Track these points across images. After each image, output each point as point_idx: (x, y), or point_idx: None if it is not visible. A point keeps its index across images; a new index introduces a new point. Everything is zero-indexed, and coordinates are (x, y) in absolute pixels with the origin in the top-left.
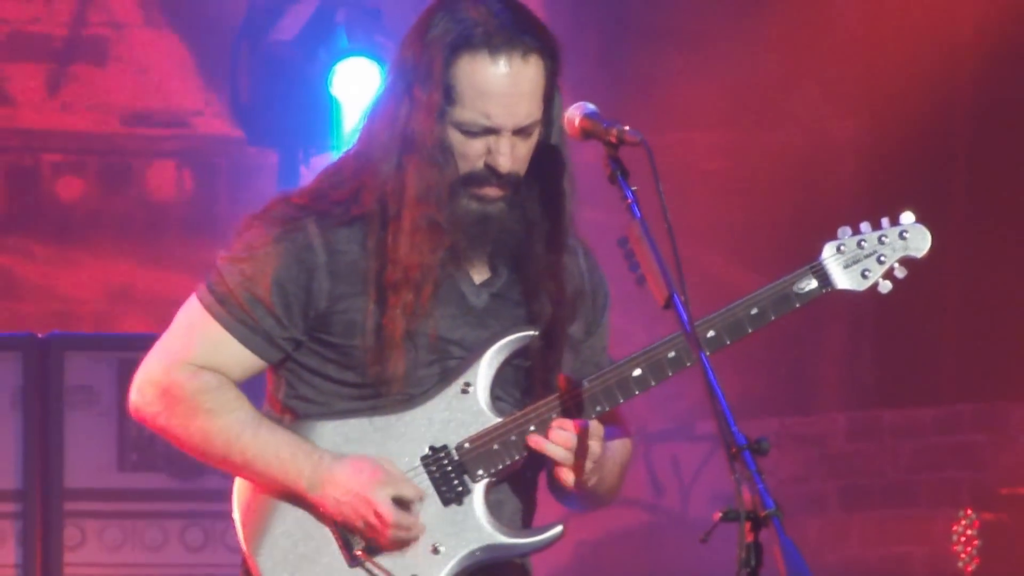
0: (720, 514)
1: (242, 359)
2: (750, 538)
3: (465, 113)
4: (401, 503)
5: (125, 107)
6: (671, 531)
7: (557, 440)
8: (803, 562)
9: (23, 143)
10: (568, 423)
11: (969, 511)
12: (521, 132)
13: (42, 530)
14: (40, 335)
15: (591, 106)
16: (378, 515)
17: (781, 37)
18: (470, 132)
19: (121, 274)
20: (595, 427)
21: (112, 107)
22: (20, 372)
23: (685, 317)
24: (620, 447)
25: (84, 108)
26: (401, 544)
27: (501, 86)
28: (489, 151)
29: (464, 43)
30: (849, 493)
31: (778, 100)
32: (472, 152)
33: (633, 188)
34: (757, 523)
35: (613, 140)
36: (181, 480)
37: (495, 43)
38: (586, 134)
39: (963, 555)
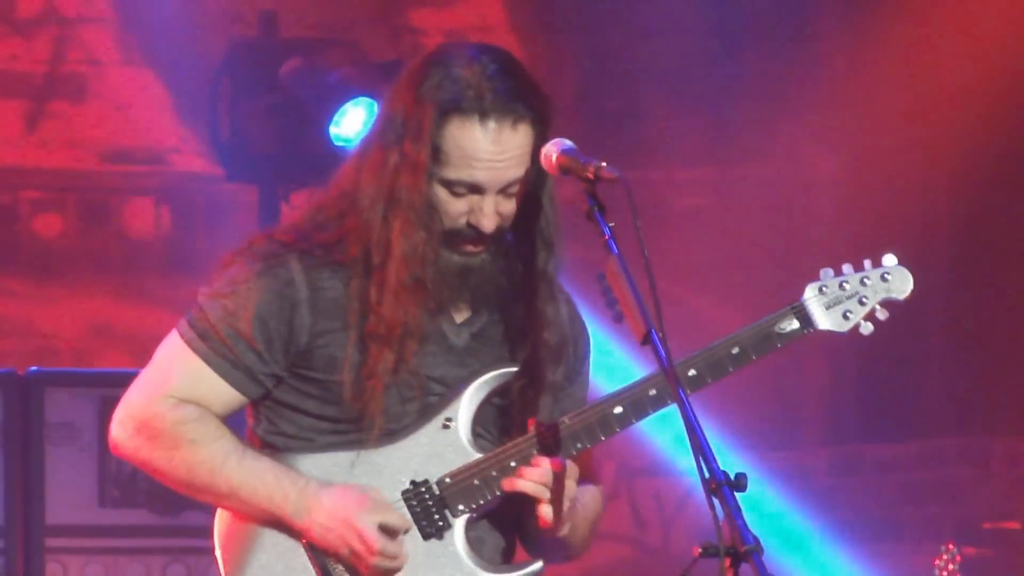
0: (700, 549)
1: (223, 394)
2: (730, 574)
3: (451, 172)
4: (387, 531)
5: (103, 144)
6: (653, 566)
7: (531, 476)
8: None
9: (1, 180)
10: (544, 461)
11: (952, 546)
12: (505, 191)
13: (24, 566)
14: (20, 372)
15: (568, 142)
16: (364, 541)
17: (762, 73)
18: (454, 191)
19: (100, 310)
20: (571, 467)
21: (90, 144)
22: (0, 409)
23: (663, 353)
24: (591, 500)
25: (62, 145)
26: (389, 566)
27: (489, 152)
28: (472, 210)
29: (455, 107)
30: (832, 529)
31: (759, 136)
32: (455, 210)
33: (611, 224)
34: (737, 558)
35: (591, 176)
36: (163, 516)
37: (486, 108)
38: (563, 170)
39: None
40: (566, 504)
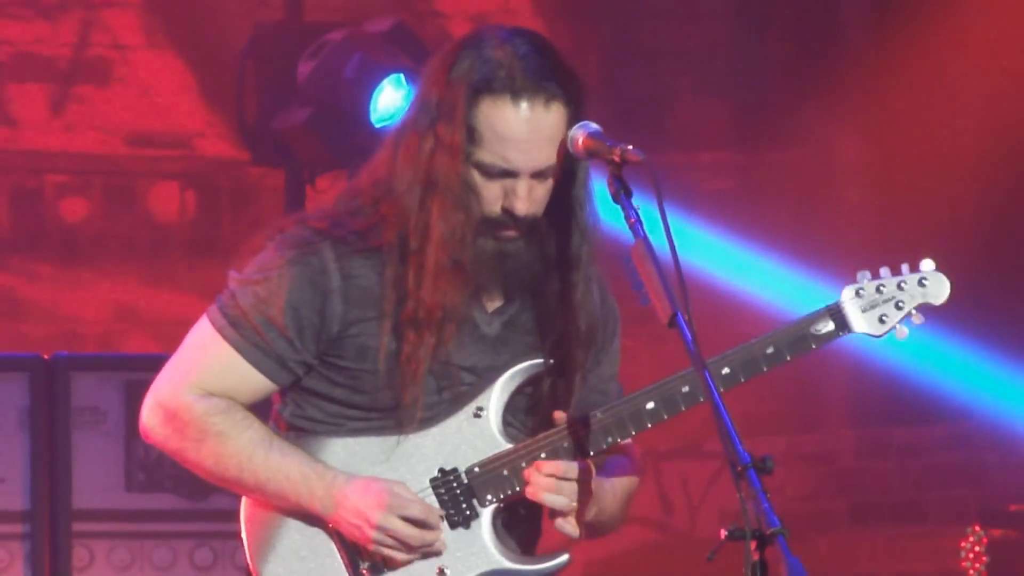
0: (726, 532)
1: (253, 382)
2: (756, 556)
3: (484, 155)
4: (413, 522)
5: (128, 128)
6: (680, 549)
7: (546, 486)
8: None
9: (27, 164)
10: (556, 465)
11: (977, 528)
12: (539, 175)
13: (50, 551)
14: (46, 356)
15: (594, 125)
16: (394, 536)
17: (786, 56)
18: (488, 174)
19: (125, 294)
20: (585, 468)
21: (115, 128)
22: (27, 393)
23: (689, 336)
24: (625, 478)
25: (87, 129)
26: (408, 565)
27: (521, 132)
28: (506, 194)
29: (486, 86)
30: (858, 511)
31: (784, 120)
32: (490, 194)
33: (637, 207)
34: (763, 541)
35: (616, 159)
36: (189, 500)
37: (517, 88)
38: (589, 153)
39: (971, 572)
40: (581, 507)
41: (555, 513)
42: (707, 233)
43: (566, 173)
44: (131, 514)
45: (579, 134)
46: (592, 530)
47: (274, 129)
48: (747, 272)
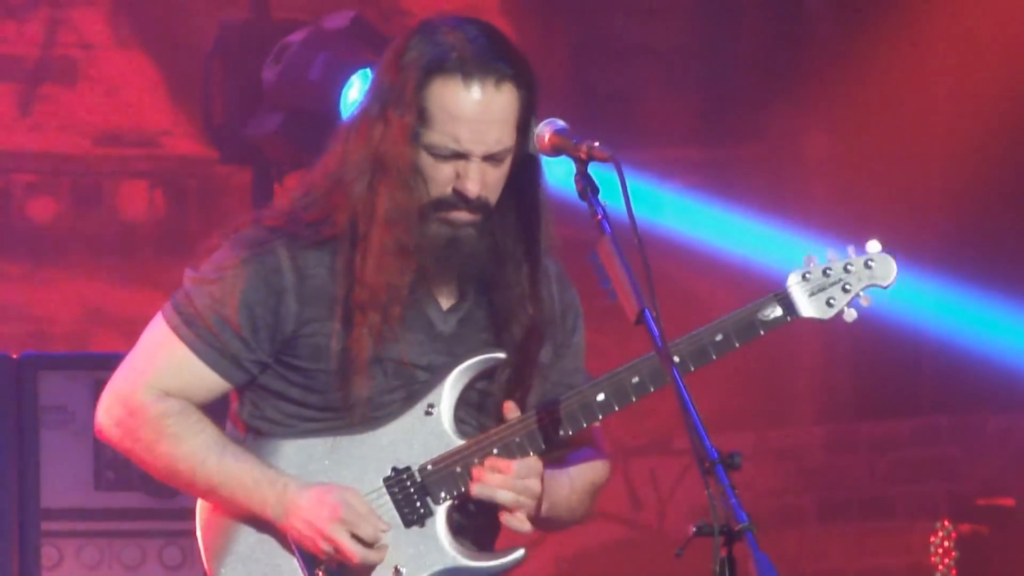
0: (694, 528)
1: (208, 381)
2: (724, 552)
3: (435, 136)
4: (362, 541)
5: (96, 127)
6: (648, 545)
7: (493, 482)
8: (776, 575)
9: None
10: (503, 463)
11: (947, 522)
12: (491, 159)
13: (19, 550)
14: (14, 355)
15: (561, 122)
16: (340, 552)
17: (754, 50)
18: (440, 155)
19: (94, 293)
20: (532, 464)
21: (83, 127)
22: None
23: (656, 332)
24: (588, 470)
25: (55, 129)
26: (364, 569)
27: (472, 111)
28: (458, 176)
29: (438, 67)
30: (827, 506)
31: (752, 116)
32: (441, 176)
33: (603, 204)
34: (731, 537)
35: (583, 156)
36: (158, 499)
37: (468, 68)
38: (556, 150)
39: (941, 566)
40: (529, 502)
41: (503, 509)
42: (680, 207)
43: (520, 166)
44: (100, 512)
45: (545, 131)
46: (550, 524)
47: (246, 136)
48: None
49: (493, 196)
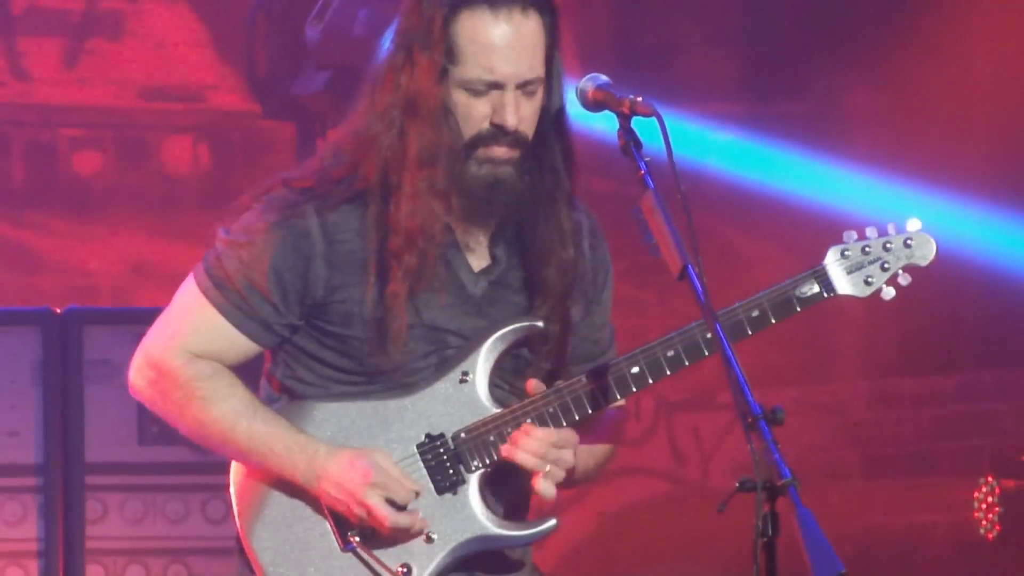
0: (737, 484)
1: (238, 344)
2: (766, 508)
3: (468, 70)
4: (395, 504)
5: (141, 82)
6: (691, 501)
7: (527, 448)
8: (819, 530)
9: (40, 118)
10: (538, 431)
11: (990, 478)
12: (525, 88)
13: (64, 504)
14: (58, 310)
15: (603, 77)
16: (372, 516)
17: (795, 6)
18: (474, 90)
19: (139, 248)
20: (568, 435)
21: (128, 81)
22: (39, 347)
23: (700, 288)
24: (608, 435)
25: (100, 83)
26: (397, 534)
27: (503, 40)
28: (495, 109)
29: (463, 1)
30: (870, 462)
31: (795, 72)
32: (477, 113)
33: (646, 159)
34: (773, 492)
35: (626, 111)
36: (202, 453)
37: None
38: (598, 105)
39: (984, 522)
40: (560, 474)
41: (534, 474)
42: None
43: (548, 105)
44: (144, 467)
45: (588, 86)
46: (566, 485)
47: (293, 95)
48: (760, 218)
49: (529, 131)
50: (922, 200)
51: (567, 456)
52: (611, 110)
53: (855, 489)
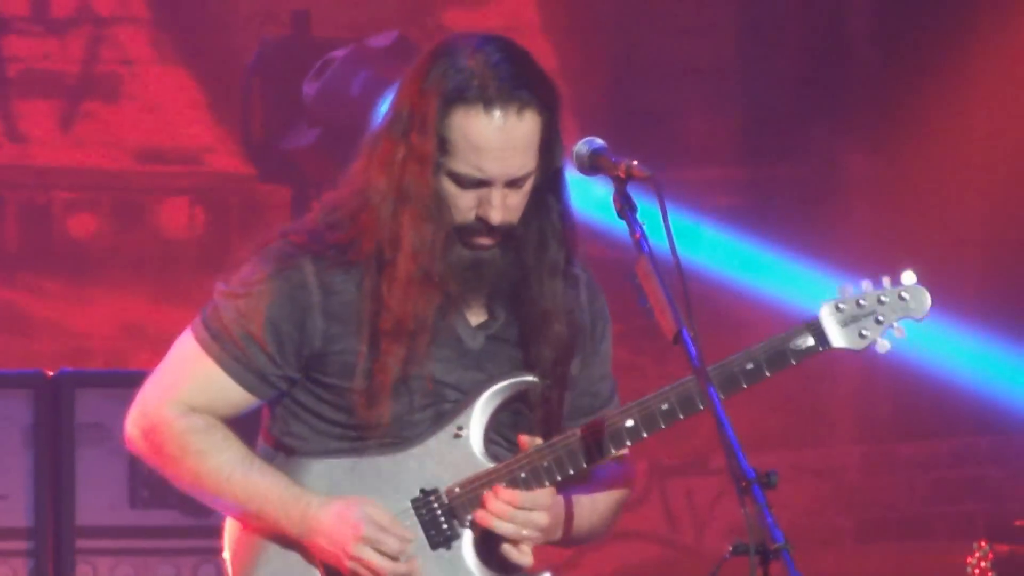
0: (730, 548)
1: (234, 395)
2: (760, 572)
3: (458, 165)
4: (388, 555)
5: (138, 144)
6: (685, 565)
7: (496, 511)
8: None
9: (36, 180)
10: (511, 494)
11: (984, 543)
12: (513, 184)
13: (54, 568)
14: (50, 373)
15: (599, 141)
16: (367, 568)
17: (794, 71)
18: (462, 183)
19: (134, 310)
20: (544, 496)
21: (125, 144)
22: (31, 410)
23: (694, 352)
24: (612, 489)
25: (97, 145)
26: None
27: (495, 141)
28: (480, 203)
29: (459, 96)
30: (864, 526)
31: (791, 136)
32: (464, 204)
33: (642, 223)
34: (767, 556)
35: (622, 175)
36: (193, 517)
37: (490, 97)
38: (595, 169)
39: None
40: (534, 535)
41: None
42: (717, 242)
43: (544, 179)
44: (135, 530)
45: (584, 150)
46: (571, 542)
47: (283, 150)
48: (756, 281)
49: (515, 218)
50: (922, 263)
51: (536, 518)
52: (607, 174)
53: (849, 554)
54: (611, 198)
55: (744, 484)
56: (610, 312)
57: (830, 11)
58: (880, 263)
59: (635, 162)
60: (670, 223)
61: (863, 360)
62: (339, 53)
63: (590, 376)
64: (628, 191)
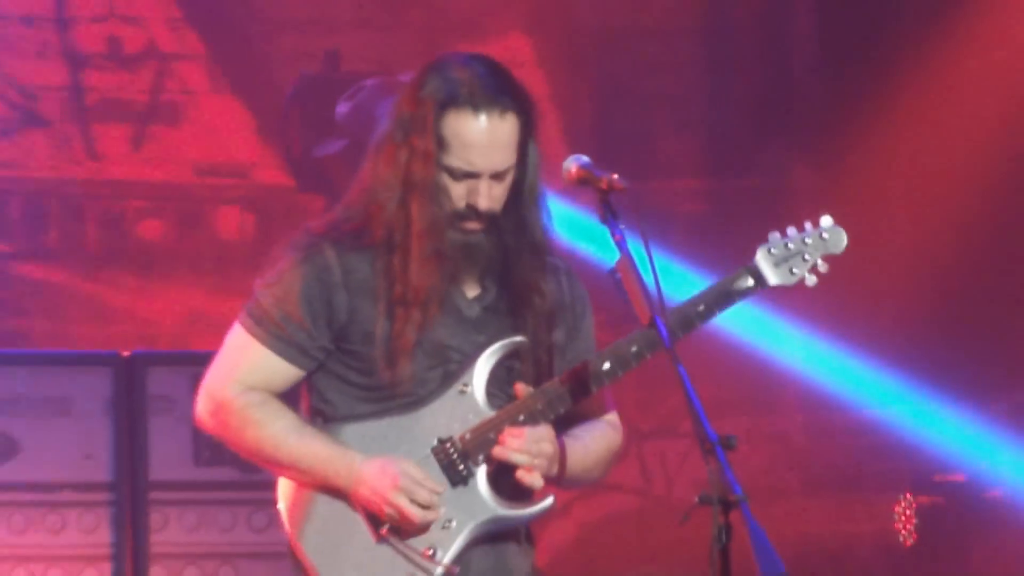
0: (697, 499)
1: (281, 370)
2: (722, 519)
3: (451, 160)
4: (420, 504)
5: (196, 161)
6: (658, 513)
7: (512, 445)
8: (766, 538)
9: (112, 192)
10: (519, 431)
11: (908, 495)
12: (497, 176)
13: (131, 516)
14: (126, 353)
15: (585, 158)
16: (401, 515)
17: (749, 99)
18: (455, 175)
19: (194, 301)
20: (544, 432)
21: (185, 161)
22: (111, 384)
23: (665, 334)
24: (601, 439)
25: (162, 162)
26: (422, 525)
27: (481, 138)
28: (470, 192)
29: (451, 101)
30: (808, 482)
31: (747, 153)
32: (456, 193)
33: (621, 227)
34: (727, 507)
35: (604, 187)
36: (248, 473)
37: (477, 101)
38: (581, 181)
39: (903, 532)
40: (543, 463)
41: (521, 468)
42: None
43: (521, 176)
44: (198, 484)
45: (572, 165)
46: (571, 483)
47: (314, 156)
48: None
49: (498, 207)
50: (857, 257)
51: (544, 447)
52: (592, 186)
53: (795, 504)
54: (596, 207)
55: (708, 446)
56: (596, 303)
57: (779, 48)
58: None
59: (616, 176)
60: (645, 228)
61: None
62: (370, 81)
63: (576, 348)
64: (610, 201)
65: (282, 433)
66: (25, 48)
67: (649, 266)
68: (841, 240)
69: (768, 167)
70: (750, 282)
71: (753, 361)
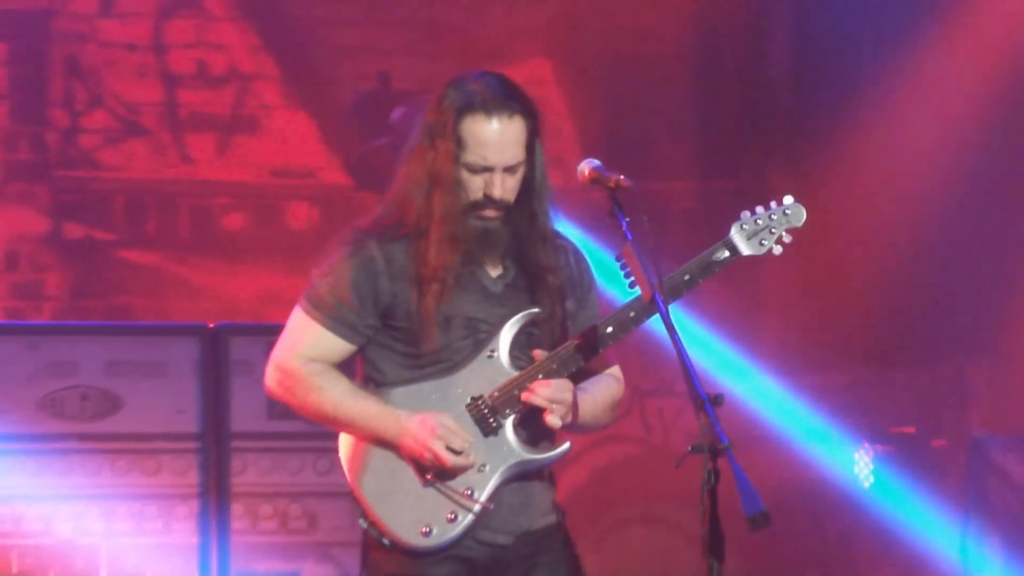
0: (690, 448)
1: (336, 345)
2: (711, 464)
3: (469, 157)
4: (454, 450)
5: (272, 164)
6: (657, 460)
7: (541, 394)
8: (748, 481)
9: (201, 190)
10: (546, 383)
11: (867, 445)
12: (509, 170)
13: (216, 461)
14: (211, 325)
15: (596, 161)
16: (438, 460)
17: (733, 112)
18: (473, 170)
19: (270, 281)
20: (565, 383)
21: (263, 164)
22: (198, 351)
23: (664, 310)
24: (606, 390)
25: (243, 165)
26: (458, 469)
27: (494, 137)
28: (486, 184)
29: (468, 107)
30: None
31: (731, 159)
32: (474, 186)
33: (627, 219)
34: (715, 454)
35: (613, 185)
36: (313, 426)
37: (489, 107)
38: (593, 181)
39: (863, 475)
40: (563, 408)
41: (546, 412)
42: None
43: (530, 172)
44: (272, 435)
45: (585, 167)
46: (583, 428)
47: (364, 150)
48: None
49: (511, 197)
50: (815, 251)
51: (566, 395)
52: (602, 185)
53: (773, 452)
54: (607, 202)
55: (699, 403)
56: (603, 285)
57: (758, 70)
58: (794, 243)
59: (622, 176)
60: (647, 220)
61: (780, 309)
62: (426, 93)
63: (585, 316)
64: (617, 197)
65: (340, 396)
66: (128, 70)
67: (651, 252)
68: (801, 215)
69: (748, 171)
70: (726, 253)
71: (734, 330)
